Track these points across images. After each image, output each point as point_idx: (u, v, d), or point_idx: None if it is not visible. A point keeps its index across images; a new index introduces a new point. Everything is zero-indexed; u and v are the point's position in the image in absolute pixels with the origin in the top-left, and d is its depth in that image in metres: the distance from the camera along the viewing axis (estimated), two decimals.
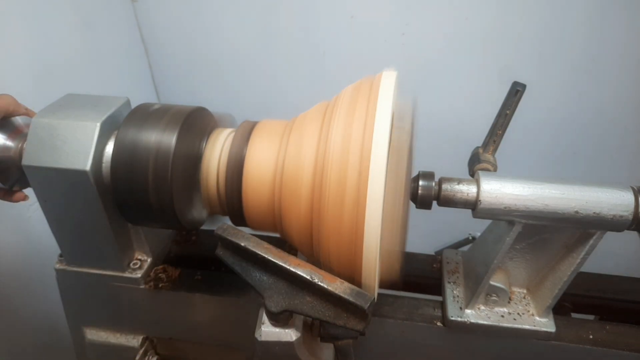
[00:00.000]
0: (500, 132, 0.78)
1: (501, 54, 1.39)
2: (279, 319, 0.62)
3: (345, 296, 0.57)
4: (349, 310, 0.58)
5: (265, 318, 0.64)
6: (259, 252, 0.61)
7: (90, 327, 0.94)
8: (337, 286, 0.58)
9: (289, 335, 0.63)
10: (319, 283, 0.58)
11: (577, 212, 0.65)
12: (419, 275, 0.95)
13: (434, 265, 0.95)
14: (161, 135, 0.69)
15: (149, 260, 0.87)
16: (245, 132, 0.72)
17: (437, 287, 0.89)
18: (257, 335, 0.63)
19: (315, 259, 0.68)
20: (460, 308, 0.82)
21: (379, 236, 0.57)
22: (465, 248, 0.95)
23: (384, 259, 0.69)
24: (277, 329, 0.63)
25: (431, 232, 1.32)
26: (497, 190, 0.66)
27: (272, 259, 0.60)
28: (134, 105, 0.77)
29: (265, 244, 0.62)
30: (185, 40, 1.57)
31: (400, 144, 0.66)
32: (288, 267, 0.59)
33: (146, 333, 0.94)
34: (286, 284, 0.61)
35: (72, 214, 0.77)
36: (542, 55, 1.38)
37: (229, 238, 0.63)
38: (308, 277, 0.59)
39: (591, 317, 0.97)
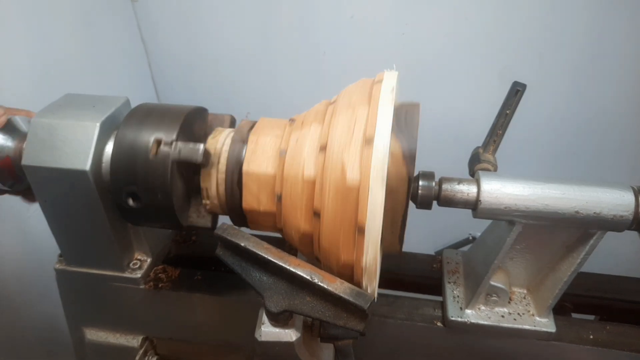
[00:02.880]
0: (501, 132, 0.78)
1: (501, 54, 1.39)
2: (279, 319, 0.62)
3: (345, 296, 0.57)
4: (348, 311, 0.58)
5: (265, 318, 0.63)
6: (259, 252, 0.61)
7: (90, 327, 0.94)
8: (337, 286, 0.58)
9: (289, 335, 0.63)
10: (319, 283, 0.58)
11: (577, 212, 0.65)
12: (419, 276, 0.95)
13: (434, 266, 0.95)
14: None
15: (148, 260, 0.87)
16: (245, 132, 0.72)
17: (437, 287, 0.89)
18: (257, 335, 0.63)
19: (315, 259, 0.68)
20: (461, 308, 0.82)
21: (379, 236, 0.57)
22: (466, 248, 0.95)
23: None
24: (277, 329, 0.63)
25: (431, 232, 1.33)
26: (498, 190, 0.66)
27: (272, 259, 0.60)
28: (133, 105, 0.77)
29: (265, 244, 0.62)
30: (185, 40, 1.57)
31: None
32: (288, 267, 0.59)
33: (146, 333, 0.94)
34: (286, 284, 0.61)
35: (72, 214, 0.76)
36: (542, 55, 1.38)
37: (229, 238, 0.63)
38: (308, 277, 0.58)
39: (591, 317, 0.97)
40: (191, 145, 0.67)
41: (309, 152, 0.63)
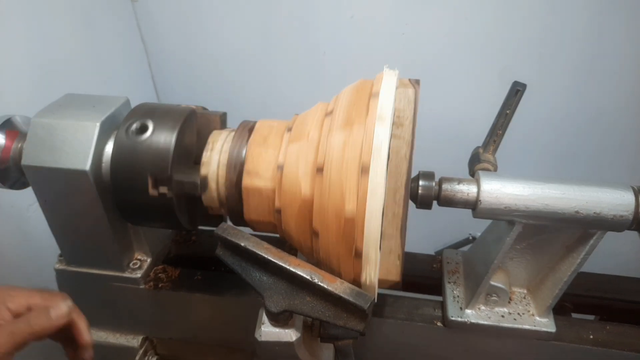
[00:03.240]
0: (501, 132, 0.78)
1: (501, 54, 1.39)
2: (278, 319, 0.62)
3: (345, 296, 0.57)
4: (348, 311, 0.58)
5: (265, 318, 0.63)
6: (259, 252, 0.61)
7: (89, 328, 0.93)
8: (337, 286, 0.58)
9: (289, 335, 0.63)
10: (319, 283, 0.58)
11: (577, 212, 0.65)
12: (419, 275, 0.95)
13: (434, 265, 0.95)
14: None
15: (148, 260, 0.87)
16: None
17: (437, 287, 0.89)
18: (257, 335, 0.63)
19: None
20: (461, 308, 0.82)
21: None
22: (466, 248, 0.95)
23: (385, 257, 0.69)
24: (277, 329, 0.63)
25: (431, 232, 1.32)
26: (497, 190, 0.66)
27: (272, 259, 0.60)
28: (133, 105, 0.77)
29: (265, 244, 0.62)
30: (185, 40, 1.57)
31: (400, 144, 0.66)
32: (288, 267, 0.59)
33: (146, 333, 0.94)
34: (286, 284, 0.61)
35: (71, 214, 0.77)
36: (542, 55, 1.37)
37: (229, 238, 0.63)
38: (308, 277, 0.58)
39: (591, 317, 0.97)
40: (186, 179, 0.69)
41: (305, 171, 0.63)
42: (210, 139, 0.73)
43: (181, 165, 0.70)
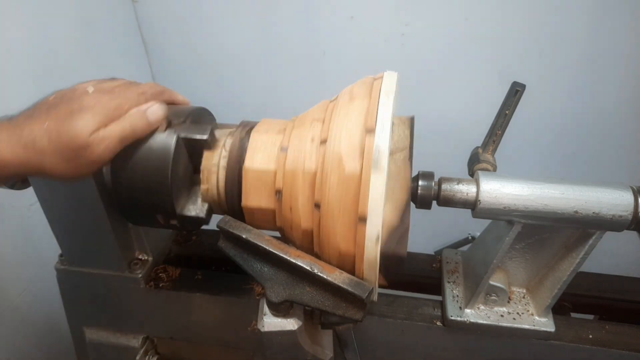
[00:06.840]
0: (500, 132, 0.78)
1: (501, 54, 1.40)
2: (279, 309, 0.63)
3: (344, 286, 0.57)
4: (347, 300, 0.59)
5: (266, 309, 0.64)
6: (260, 244, 0.61)
7: (90, 327, 0.94)
8: (336, 276, 0.58)
9: (291, 324, 0.64)
10: (319, 273, 0.59)
11: (576, 212, 0.65)
12: (418, 275, 0.95)
13: (434, 265, 0.96)
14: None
15: (149, 260, 0.87)
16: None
17: (436, 287, 0.89)
18: (259, 326, 0.64)
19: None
20: (460, 308, 0.82)
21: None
22: (465, 248, 0.95)
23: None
24: (279, 319, 0.64)
25: (431, 232, 1.33)
26: (497, 190, 0.66)
27: (273, 250, 0.61)
28: None
29: (267, 236, 0.63)
30: (185, 40, 1.57)
31: (400, 142, 0.66)
32: (288, 258, 0.60)
33: (146, 333, 0.94)
34: (286, 275, 0.62)
35: (72, 214, 0.77)
36: (542, 55, 1.38)
37: (231, 230, 0.63)
38: (308, 268, 0.59)
39: (591, 316, 0.97)
40: (189, 215, 0.69)
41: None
42: (204, 167, 0.71)
43: (181, 194, 0.71)
